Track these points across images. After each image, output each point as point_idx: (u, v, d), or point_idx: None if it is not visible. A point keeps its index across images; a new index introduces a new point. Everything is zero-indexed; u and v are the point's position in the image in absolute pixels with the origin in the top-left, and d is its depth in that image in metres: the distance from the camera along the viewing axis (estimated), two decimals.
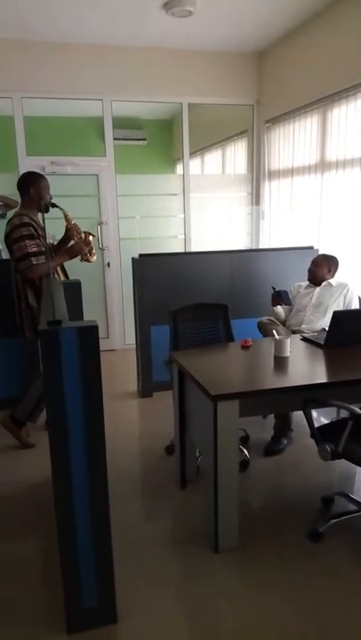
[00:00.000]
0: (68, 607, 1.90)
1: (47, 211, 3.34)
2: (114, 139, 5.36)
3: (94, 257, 3.45)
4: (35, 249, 3.15)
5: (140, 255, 4.21)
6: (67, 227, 3.48)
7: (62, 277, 3.58)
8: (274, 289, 3.68)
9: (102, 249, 5.52)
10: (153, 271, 4.17)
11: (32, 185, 3.31)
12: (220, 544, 2.33)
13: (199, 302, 3.31)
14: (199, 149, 6.16)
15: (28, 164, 5.13)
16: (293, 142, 4.94)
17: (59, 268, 3.81)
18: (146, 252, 4.26)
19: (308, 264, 3.75)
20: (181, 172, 5.70)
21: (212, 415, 2.22)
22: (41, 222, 3.31)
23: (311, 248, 4.50)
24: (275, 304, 3.71)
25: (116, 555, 1.91)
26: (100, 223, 5.47)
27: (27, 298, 3.26)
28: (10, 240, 3.18)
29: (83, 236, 3.47)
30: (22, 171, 5.11)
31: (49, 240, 3.45)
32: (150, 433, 3.66)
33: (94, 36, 4.79)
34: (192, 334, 3.27)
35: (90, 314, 3.74)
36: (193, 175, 5.71)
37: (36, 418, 3.45)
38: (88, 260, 3.43)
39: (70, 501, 1.81)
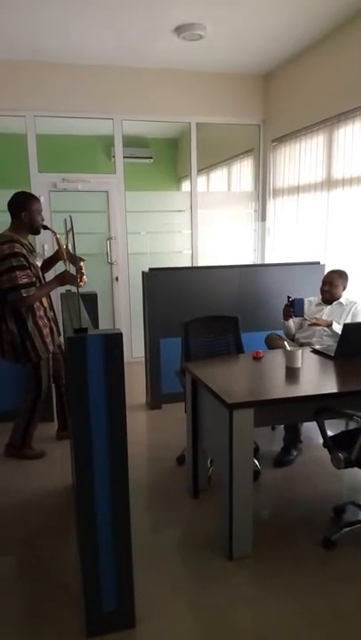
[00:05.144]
0: (87, 611, 1.93)
1: (38, 233, 3.33)
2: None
3: (84, 282, 3.40)
4: (25, 280, 3.09)
5: (151, 269, 4.29)
6: (57, 250, 3.43)
7: (46, 302, 3.38)
8: (289, 298, 3.56)
9: (111, 263, 5.62)
10: (163, 285, 4.25)
11: (24, 209, 3.21)
12: (234, 551, 2.36)
13: (210, 315, 3.38)
14: (205, 167, 6.28)
15: (39, 180, 5.25)
16: (299, 161, 5.06)
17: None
18: (154, 267, 4.34)
19: (315, 278, 3.81)
20: (187, 190, 5.83)
21: (227, 424, 2.28)
22: (29, 244, 3.28)
23: (318, 263, 4.59)
24: (286, 317, 3.63)
25: (133, 561, 1.94)
26: (110, 238, 5.57)
27: (6, 321, 3.21)
28: None
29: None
30: (34, 187, 5.24)
31: (37, 260, 3.37)
32: (161, 444, 3.70)
33: (107, 58, 4.94)
34: (203, 346, 3.34)
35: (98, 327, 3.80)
36: (200, 192, 5.83)
37: (31, 440, 3.46)
38: (78, 286, 3.32)
39: (92, 507, 1.85)
